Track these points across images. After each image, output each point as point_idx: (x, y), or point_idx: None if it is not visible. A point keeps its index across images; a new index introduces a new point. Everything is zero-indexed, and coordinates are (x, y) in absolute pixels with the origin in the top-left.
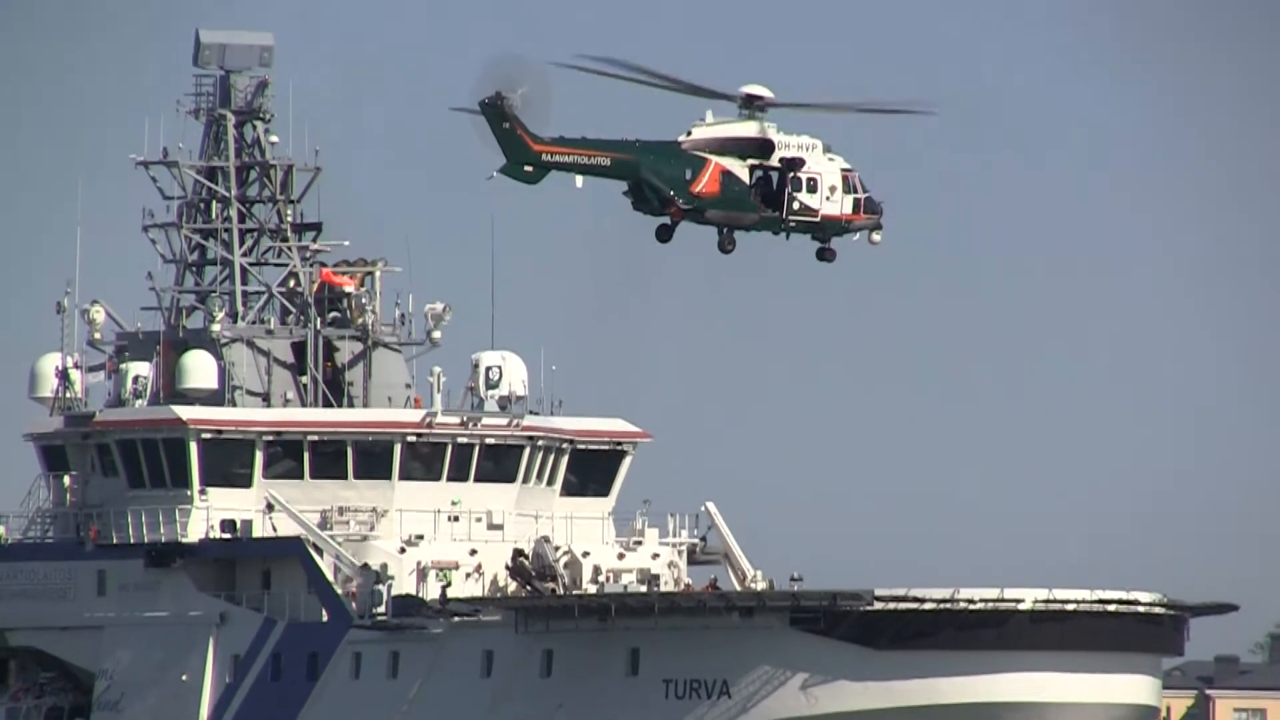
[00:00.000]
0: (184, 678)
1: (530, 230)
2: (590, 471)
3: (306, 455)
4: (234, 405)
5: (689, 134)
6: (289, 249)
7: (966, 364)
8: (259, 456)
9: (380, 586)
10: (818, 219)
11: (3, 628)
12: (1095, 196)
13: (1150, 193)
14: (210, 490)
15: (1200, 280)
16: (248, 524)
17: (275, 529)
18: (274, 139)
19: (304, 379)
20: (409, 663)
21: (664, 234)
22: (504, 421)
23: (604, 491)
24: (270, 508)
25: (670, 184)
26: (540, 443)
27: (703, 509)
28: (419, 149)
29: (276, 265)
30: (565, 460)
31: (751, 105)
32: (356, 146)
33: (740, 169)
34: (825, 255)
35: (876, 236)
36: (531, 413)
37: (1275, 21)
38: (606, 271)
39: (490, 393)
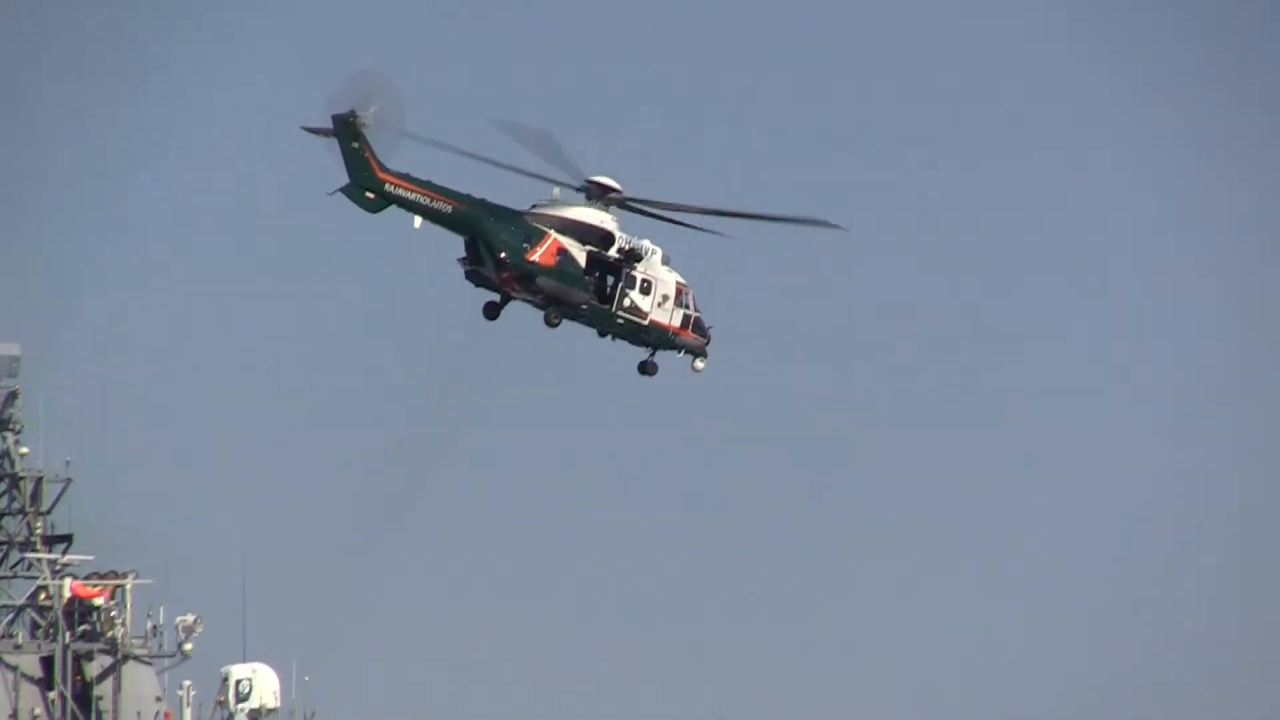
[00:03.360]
0: None
1: (282, 535)
2: None
3: None
4: None
5: (533, 207)
6: (39, 562)
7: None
8: None
9: None
10: (646, 322)
11: None
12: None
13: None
14: None
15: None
16: None
17: None
18: (24, 450)
19: (52, 695)
20: None
21: (491, 311)
22: None
23: None
24: None
25: (506, 247)
26: None
27: None
28: (170, 454)
29: (26, 578)
30: None
31: (599, 195)
32: (108, 455)
33: (578, 251)
34: (647, 368)
35: (700, 364)
36: None
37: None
38: (361, 575)
39: (241, 706)
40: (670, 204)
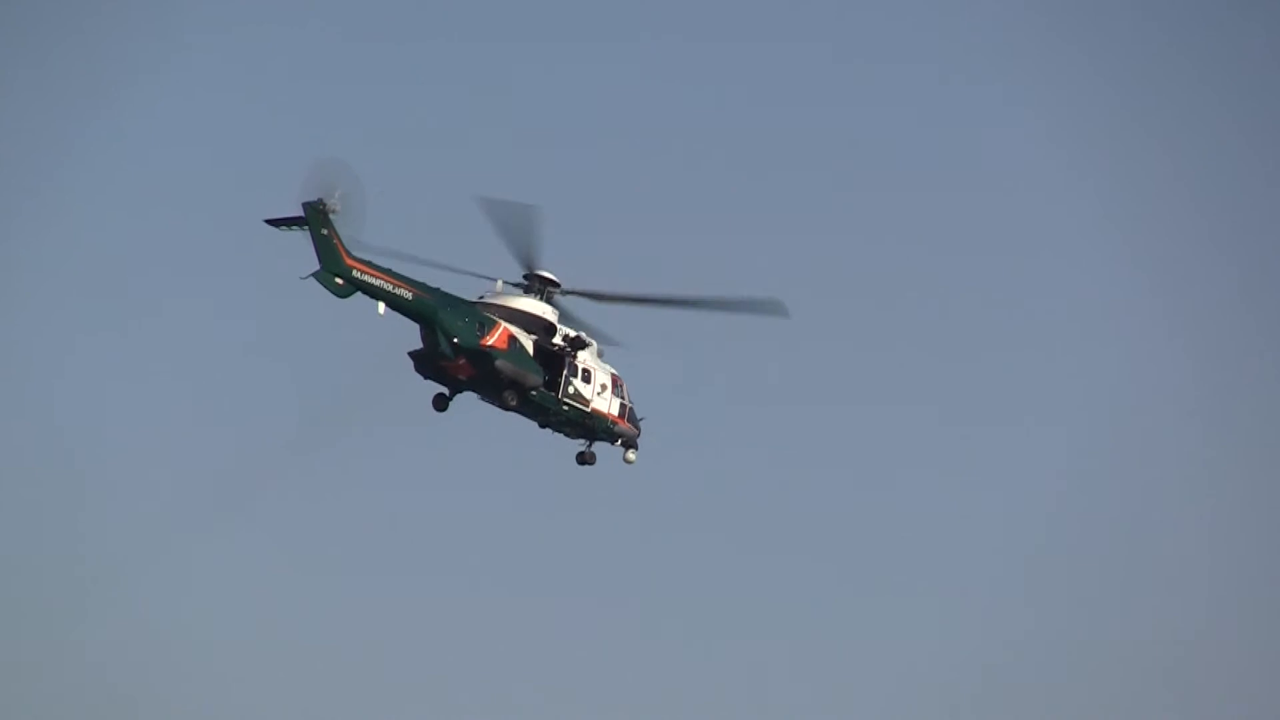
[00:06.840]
0: None
1: None
2: None
3: None
4: None
5: (481, 298)
6: None
7: None
8: None
9: None
10: (588, 409)
11: None
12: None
13: None
14: None
15: None
16: None
17: None
18: None
19: None
20: None
21: (440, 403)
22: None
23: None
24: None
25: (461, 332)
26: None
27: None
28: None
29: None
30: None
31: (540, 287)
32: None
33: (525, 339)
34: (586, 458)
35: (631, 456)
36: None
37: None
38: None
39: None
40: (612, 294)
